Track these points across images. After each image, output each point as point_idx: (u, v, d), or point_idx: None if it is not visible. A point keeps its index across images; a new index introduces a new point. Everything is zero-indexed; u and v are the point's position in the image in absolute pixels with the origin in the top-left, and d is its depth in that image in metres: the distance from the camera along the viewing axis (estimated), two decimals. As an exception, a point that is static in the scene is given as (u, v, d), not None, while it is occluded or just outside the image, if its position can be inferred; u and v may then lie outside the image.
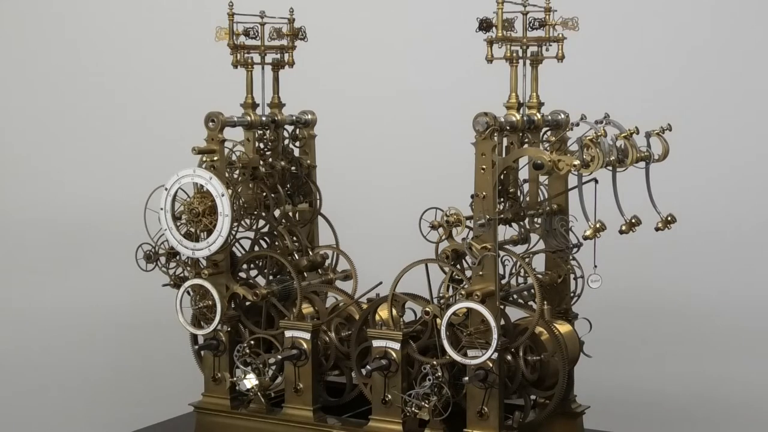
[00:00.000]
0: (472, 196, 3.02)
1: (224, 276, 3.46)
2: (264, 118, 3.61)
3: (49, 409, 4.32)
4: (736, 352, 4.58)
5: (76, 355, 4.90)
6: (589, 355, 3.26)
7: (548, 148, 3.13)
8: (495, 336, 2.96)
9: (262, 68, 3.65)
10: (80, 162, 5.81)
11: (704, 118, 4.93)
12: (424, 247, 3.08)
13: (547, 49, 3.21)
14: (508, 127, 3.12)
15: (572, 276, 3.32)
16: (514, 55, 3.17)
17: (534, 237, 3.32)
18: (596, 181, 3.05)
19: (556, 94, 3.32)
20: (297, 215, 3.70)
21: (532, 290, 3.14)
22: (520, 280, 3.22)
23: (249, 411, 3.48)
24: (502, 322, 3.05)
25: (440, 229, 3.04)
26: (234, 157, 3.54)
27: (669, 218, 3.13)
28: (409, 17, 5.41)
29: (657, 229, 3.12)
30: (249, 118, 3.57)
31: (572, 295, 3.34)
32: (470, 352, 3.01)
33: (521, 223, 3.27)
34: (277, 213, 3.63)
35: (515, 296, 3.19)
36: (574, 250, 3.31)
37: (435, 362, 3.10)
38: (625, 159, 3.00)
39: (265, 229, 3.64)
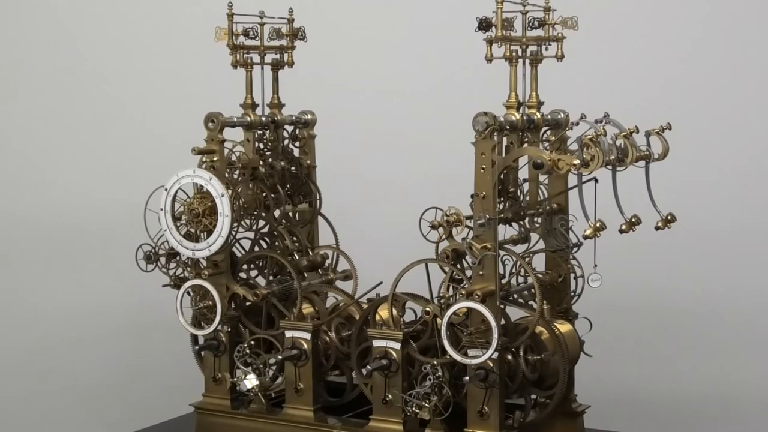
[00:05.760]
0: (472, 196, 3.02)
1: (224, 276, 3.46)
2: (264, 119, 3.61)
3: (49, 409, 4.32)
4: (736, 351, 4.58)
5: (77, 355, 4.90)
6: (590, 355, 3.26)
7: (548, 148, 3.13)
8: (495, 335, 2.96)
9: (262, 68, 3.65)
10: (80, 162, 5.80)
11: (704, 117, 4.92)
12: (424, 247, 3.08)
13: (546, 49, 3.21)
14: (507, 127, 3.11)
15: (572, 275, 3.32)
16: (514, 54, 3.16)
17: (534, 236, 3.31)
18: (596, 181, 3.04)
19: (556, 93, 3.32)
20: (297, 215, 3.70)
21: (533, 290, 3.14)
22: (521, 279, 3.22)
23: (249, 411, 3.48)
24: (503, 321, 3.05)
25: (440, 229, 3.04)
26: (234, 158, 3.54)
27: (669, 217, 3.13)
28: (409, 17, 5.41)
29: (657, 228, 3.12)
30: (249, 119, 3.57)
31: (572, 294, 3.33)
32: (471, 352, 3.01)
33: (521, 222, 3.27)
34: (277, 213, 3.63)
35: (515, 296, 3.19)
36: (574, 249, 3.31)
37: (435, 362, 3.10)
38: (624, 158, 3.00)
39: (265, 230, 3.64)
